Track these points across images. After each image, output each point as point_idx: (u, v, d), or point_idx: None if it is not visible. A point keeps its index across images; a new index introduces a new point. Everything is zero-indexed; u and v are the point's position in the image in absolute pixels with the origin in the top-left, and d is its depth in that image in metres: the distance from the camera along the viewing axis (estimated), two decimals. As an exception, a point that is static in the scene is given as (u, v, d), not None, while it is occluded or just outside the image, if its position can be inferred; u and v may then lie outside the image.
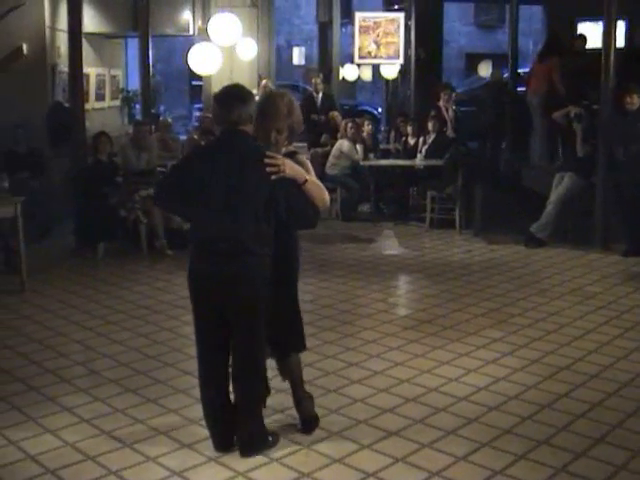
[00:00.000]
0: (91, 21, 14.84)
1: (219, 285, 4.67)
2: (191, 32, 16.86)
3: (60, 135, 12.58)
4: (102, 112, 16.41)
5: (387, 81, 20.79)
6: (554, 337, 7.08)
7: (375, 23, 16.99)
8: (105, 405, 5.60)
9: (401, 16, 17.32)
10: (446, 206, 12.06)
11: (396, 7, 18.87)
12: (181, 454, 4.85)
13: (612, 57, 10.24)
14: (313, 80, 16.25)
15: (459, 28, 33.71)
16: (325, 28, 23.04)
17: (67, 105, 13.00)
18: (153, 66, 16.74)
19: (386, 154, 14.13)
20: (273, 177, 4.58)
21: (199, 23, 16.71)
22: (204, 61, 12.14)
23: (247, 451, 4.82)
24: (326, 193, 4.87)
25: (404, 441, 4.99)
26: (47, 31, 13.53)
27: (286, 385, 5.42)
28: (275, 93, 5.36)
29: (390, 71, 18.44)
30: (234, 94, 4.78)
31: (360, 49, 17.01)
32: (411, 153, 13.17)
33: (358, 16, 17.27)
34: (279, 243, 4.82)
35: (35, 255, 9.79)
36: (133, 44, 19.71)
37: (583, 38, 13.70)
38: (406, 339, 7.01)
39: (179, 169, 4.89)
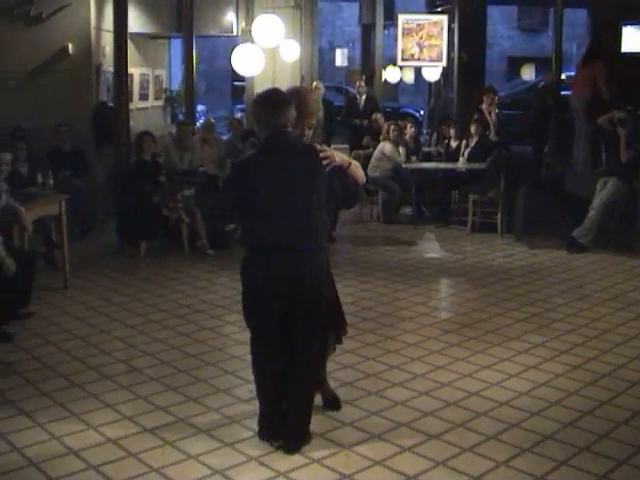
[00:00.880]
0: (136, 21, 14.91)
1: (287, 283, 4.76)
2: (234, 33, 16.90)
3: (104, 134, 12.69)
4: (145, 112, 16.50)
5: (429, 84, 20.75)
6: (596, 343, 7.03)
7: (418, 25, 16.99)
8: (147, 402, 5.64)
9: (444, 18, 17.30)
10: (488, 210, 12.01)
11: (439, 9, 18.81)
12: (222, 453, 4.87)
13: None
14: (356, 82, 16.28)
15: (502, 31, 33.56)
16: (368, 30, 23.06)
17: (111, 105, 13.11)
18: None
19: (428, 157, 14.09)
20: (328, 168, 4.80)
21: (242, 24, 16.75)
22: (247, 62, 12.17)
23: (294, 447, 4.87)
24: (362, 170, 5.17)
25: (445, 445, 4.98)
26: (92, 31, 13.63)
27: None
28: (304, 90, 5.46)
29: (433, 74, 18.41)
30: (281, 98, 4.86)
31: (403, 51, 17.01)
32: (453, 156, 13.13)
33: (401, 18, 17.27)
34: None
35: (78, 253, 9.92)
36: (177, 44, 19.85)
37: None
38: (447, 342, 7.00)
39: (237, 180, 4.95)
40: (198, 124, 15.20)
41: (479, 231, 11.96)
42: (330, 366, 5.80)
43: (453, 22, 17.53)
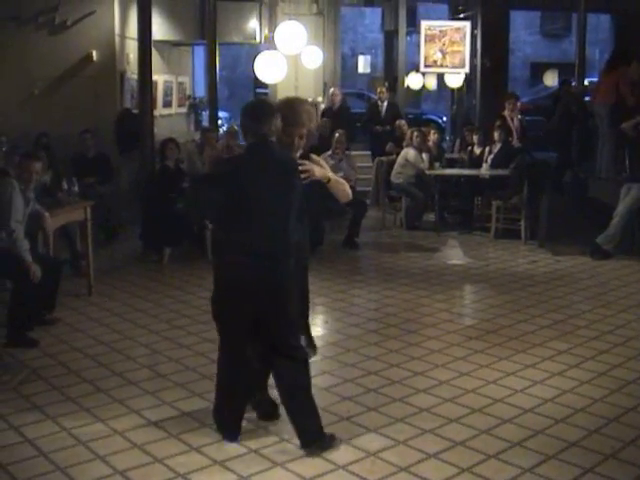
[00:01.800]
0: (159, 29, 15.00)
1: (256, 290, 4.87)
2: (257, 40, 16.98)
3: (128, 141, 12.76)
4: (169, 119, 16.59)
5: (452, 90, 20.73)
6: (621, 350, 7.00)
7: (441, 32, 16.99)
8: (172, 408, 5.66)
9: (467, 25, 17.29)
10: (511, 216, 11.99)
11: (462, 16, 18.81)
12: (248, 458, 4.87)
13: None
14: (378, 89, 16.29)
15: (525, 37, 33.50)
16: (390, 36, 23.05)
17: (135, 112, 13.19)
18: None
19: (451, 163, 14.08)
20: (306, 182, 4.95)
21: (265, 31, 16.83)
22: (269, 69, 12.22)
23: (308, 447, 4.96)
24: (347, 187, 5.29)
25: (470, 451, 4.97)
26: (117, 39, 13.74)
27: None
28: (296, 100, 5.48)
29: (455, 80, 18.38)
30: (264, 108, 5.03)
31: (426, 58, 17.02)
32: (476, 162, 13.11)
33: (424, 25, 17.28)
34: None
35: (102, 259, 9.98)
36: (200, 52, 19.95)
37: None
38: (471, 349, 6.99)
39: (212, 183, 5.12)
40: (221, 131, 15.26)
41: (502, 237, 11.94)
42: (354, 372, 5.82)
43: (476, 28, 17.55)
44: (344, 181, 5.28)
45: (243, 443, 5.07)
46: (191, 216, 6.57)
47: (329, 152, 11.80)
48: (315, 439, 4.96)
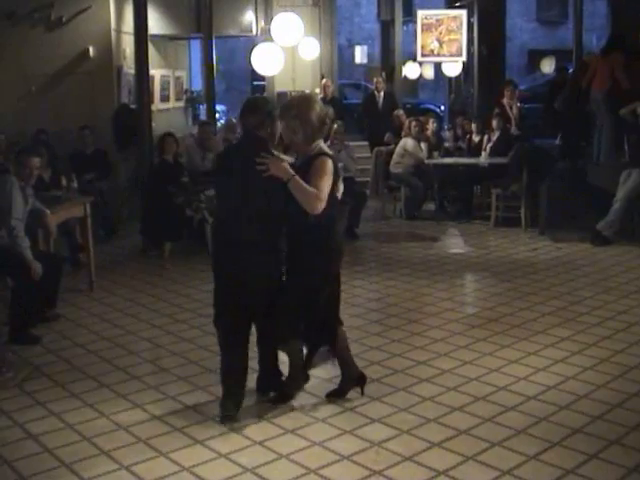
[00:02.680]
0: (156, 23, 14.94)
1: (242, 277, 5.24)
2: (254, 32, 16.95)
3: (126, 137, 12.76)
4: (167, 113, 16.56)
5: (449, 79, 20.72)
6: (623, 336, 7.01)
7: (437, 21, 16.95)
8: (176, 402, 5.67)
9: (464, 13, 17.25)
10: (511, 204, 12.00)
11: (458, 4, 18.77)
12: (252, 451, 4.88)
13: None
14: (375, 79, 16.27)
15: (521, 24, 33.48)
16: (387, 26, 23.04)
17: (133, 107, 13.18)
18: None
19: (450, 152, 14.07)
20: (264, 175, 5.01)
21: (261, 23, 16.80)
22: (266, 61, 12.21)
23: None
24: (313, 199, 5.05)
25: (474, 439, 4.98)
26: (113, 34, 13.70)
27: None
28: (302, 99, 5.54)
29: (452, 69, 18.37)
30: (246, 104, 5.36)
31: (423, 47, 16.98)
32: (475, 151, 13.10)
33: (420, 14, 17.24)
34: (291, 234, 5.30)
35: (103, 254, 9.99)
36: (196, 45, 19.90)
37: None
38: (474, 337, 6.99)
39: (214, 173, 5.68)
40: (219, 124, 15.25)
41: (502, 225, 11.95)
42: (357, 363, 5.82)
43: (472, 16, 17.50)
44: (311, 191, 5.02)
45: (247, 435, 5.08)
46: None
47: (327, 143, 11.79)
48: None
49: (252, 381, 5.68)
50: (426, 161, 12.71)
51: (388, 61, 21.71)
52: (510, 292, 8.48)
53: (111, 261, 10.16)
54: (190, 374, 6.23)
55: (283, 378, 5.66)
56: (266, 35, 14.40)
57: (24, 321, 7.14)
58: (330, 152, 5.30)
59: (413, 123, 12.86)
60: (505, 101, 13.45)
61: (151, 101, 12.50)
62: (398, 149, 12.83)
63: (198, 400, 5.69)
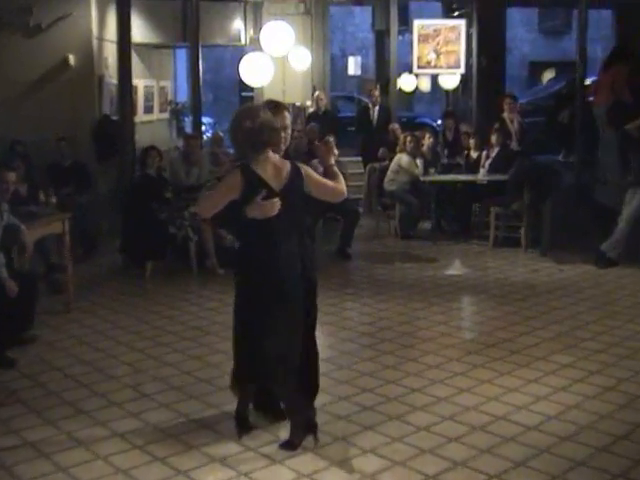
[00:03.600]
0: (139, 31, 14.96)
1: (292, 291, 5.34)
2: (242, 42, 17.00)
3: (107, 149, 12.76)
4: (150, 125, 16.55)
5: (447, 92, 20.77)
6: (628, 363, 7.00)
7: (435, 31, 17.02)
8: (157, 430, 5.64)
9: (462, 23, 17.34)
10: (511, 223, 12.02)
11: (457, 14, 18.85)
12: (246, 457, 4.98)
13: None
14: (371, 92, 16.25)
15: (522, 35, 33.59)
16: (381, 36, 23.11)
17: (114, 118, 13.17)
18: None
19: (448, 168, 14.05)
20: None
21: (250, 32, 16.85)
22: (255, 72, 12.25)
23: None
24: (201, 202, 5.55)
25: (471, 472, 4.96)
26: (94, 42, 13.68)
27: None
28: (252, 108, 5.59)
29: (450, 81, 18.39)
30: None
31: (419, 58, 17.05)
32: (474, 167, 13.11)
33: (417, 24, 17.32)
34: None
35: (81, 273, 9.95)
36: (182, 54, 19.97)
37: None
38: (471, 364, 6.98)
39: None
40: (205, 137, 15.27)
41: (502, 246, 11.96)
42: (349, 390, 5.82)
43: (471, 26, 17.57)
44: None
45: (230, 466, 5.05)
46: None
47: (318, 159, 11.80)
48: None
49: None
50: (422, 178, 12.73)
51: (383, 72, 21.79)
52: (509, 316, 8.48)
53: (90, 280, 10.12)
54: (173, 401, 6.21)
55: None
56: (255, 44, 14.44)
57: (-2, 343, 7.10)
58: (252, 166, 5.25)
59: (408, 138, 12.87)
60: (505, 115, 13.48)
61: (134, 112, 12.52)
62: (393, 165, 12.85)
63: (181, 429, 5.66)
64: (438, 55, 17.02)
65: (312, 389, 5.59)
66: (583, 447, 5.30)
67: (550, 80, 25.90)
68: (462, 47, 17.07)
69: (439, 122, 24.28)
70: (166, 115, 18.18)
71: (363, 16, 31.73)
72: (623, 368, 6.86)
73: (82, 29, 13.58)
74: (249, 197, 5.13)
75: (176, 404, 6.14)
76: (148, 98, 16.62)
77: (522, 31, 33.47)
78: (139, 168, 10.85)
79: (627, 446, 5.33)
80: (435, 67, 17.27)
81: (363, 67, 29.67)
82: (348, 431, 5.55)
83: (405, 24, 21.67)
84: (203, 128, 16.81)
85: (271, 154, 5.24)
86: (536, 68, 31.69)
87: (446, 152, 14.47)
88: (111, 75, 13.68)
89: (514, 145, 13.31)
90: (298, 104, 16.67)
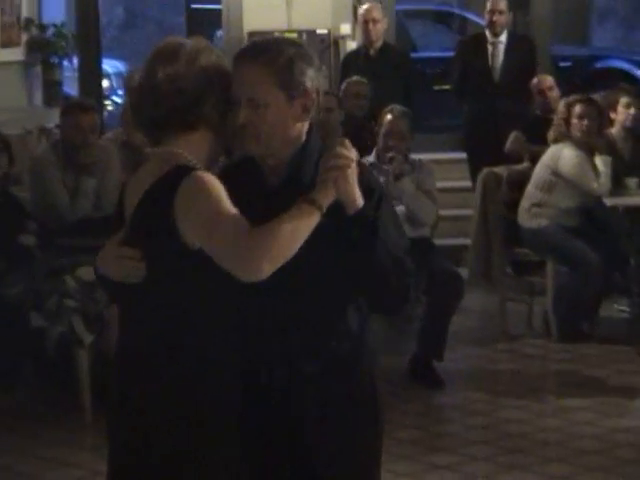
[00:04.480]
0: None
1: None
2: None
3: None
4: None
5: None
6: None
7: None
8: None
9: None
10: None
11: None
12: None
13: None
14: (489, 2, 16.43)
15: None
16: None
17: None
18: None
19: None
20: None
21: None
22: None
23: None
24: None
25: None
26: None
27: None
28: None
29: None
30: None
31: None
32: None
33: None
34: None
35: None
36: None
37: None
38: None
39: None
40: (111, 108, 15.47)
41: None
42: None
43: None
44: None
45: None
46: None
47: (371, 156, 11.97)
48: None
49: None
50: (609, 200, 12.83)
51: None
52: None
53: None
54: None
55: None
56: None
57: None
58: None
59: (577, 109, 13.01)
60: None
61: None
62: (539, 170, 12.96)
63: None
64: None
65: None
66: None
67: None
68: None
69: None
70: (18, 54, 18.43)
71: None
72: None
73: None
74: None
75: None
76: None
77: None
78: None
79: None
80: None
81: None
82: None
83: None
84: (105, 85, 17.01)
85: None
86: None
87: None
88: None
89: None
90: (322, 32, 16.89)
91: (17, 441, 10.26)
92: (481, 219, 13.56)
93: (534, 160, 13.25)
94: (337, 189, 5.18)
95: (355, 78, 14.38)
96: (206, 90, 5.29)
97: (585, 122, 12.92)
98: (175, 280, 5.20)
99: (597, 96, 13.78)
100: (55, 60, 19.06)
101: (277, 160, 5.45)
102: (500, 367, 12.33)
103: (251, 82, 5.32)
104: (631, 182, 13.20)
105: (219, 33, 19.48)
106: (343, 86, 14.34)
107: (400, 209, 10.43)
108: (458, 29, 24.11)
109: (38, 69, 18.96)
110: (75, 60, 17.15)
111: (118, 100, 17.32)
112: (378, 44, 15.71)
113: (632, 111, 13.87)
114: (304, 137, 5.47)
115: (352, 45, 16.68)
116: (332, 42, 16.97)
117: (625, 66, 24.76)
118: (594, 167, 12.96)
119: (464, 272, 12.85)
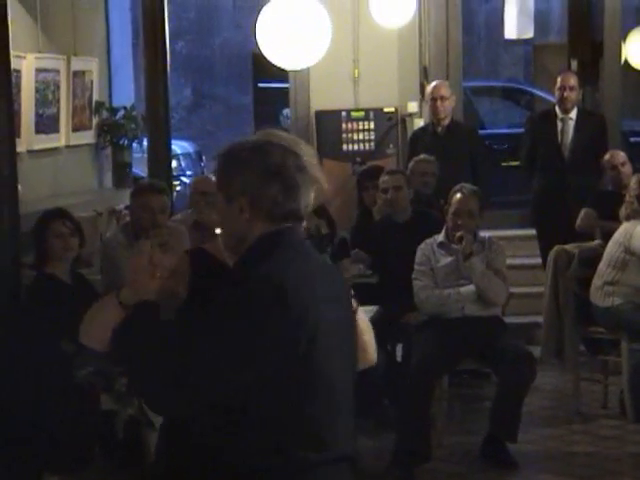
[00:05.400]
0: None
1: None
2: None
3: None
4: (52, 159, 16.77)
5: None
6: None
7: None
8: None
9: None
10: None
11: None
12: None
13: None
14: (559, 79, 16.34)
15: None
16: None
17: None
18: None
19: None
20: None
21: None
22: (288, 35, 12.37)
23: None
24: None
25: None
26: None
27: None
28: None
29: None
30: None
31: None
32: None
33: None
34: None
35: None
36: (119, 3, 20.24)
37: None
38: None
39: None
40: (180, 188, 15.40)
41: None
42: None
43: None
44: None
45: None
46: None
47: (440, 235, 11.90)
48: None
49: None
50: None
51: (585, 31, 21.84)
52: None
53: None
54: None
55: None
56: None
57: None
58: None
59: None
60: None
61: (16, 133, 12.67)
62: (612, 249, 12.86)
63: None
64: None
65: None
66: None
67: None
68: None
69: None
70: (89, 137, 18.41)
71: None
72: None
73: None
74: None
75: None
76: (45, 98, 16.79)
77: None
78: (35, 261, 10.96)
79: None
80: None
81: (539, 22, 29.85)
82: None
83: None
84: (173, 165, 16.97)
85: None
86: None
87: None
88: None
89: None
90: (389, 110, 16.86)
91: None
92: (552, 297, 13.47)
93: (606, 237, 13.15)
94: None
95: (422, 156, 14.40)
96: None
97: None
98: None
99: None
100: (125, 142, 19.08)
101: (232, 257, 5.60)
102: (575, 449, 12.22)
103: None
104: None
105: (286, 112, 19.35)
106: (411, 164, 14.31)
107: (470, 288, 10.37)
108: (525, 105, 24.12)
109: (108, 151, 18.98)
110: (145, 142, 17.07)
111: (186, 180, 17.27)
112: (446, 121, 15.72)
113: None
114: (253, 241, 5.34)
115: (419, 123, 16.67)
116: (399, 120, 16.94)
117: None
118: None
119: (536, 351, 12.76)
